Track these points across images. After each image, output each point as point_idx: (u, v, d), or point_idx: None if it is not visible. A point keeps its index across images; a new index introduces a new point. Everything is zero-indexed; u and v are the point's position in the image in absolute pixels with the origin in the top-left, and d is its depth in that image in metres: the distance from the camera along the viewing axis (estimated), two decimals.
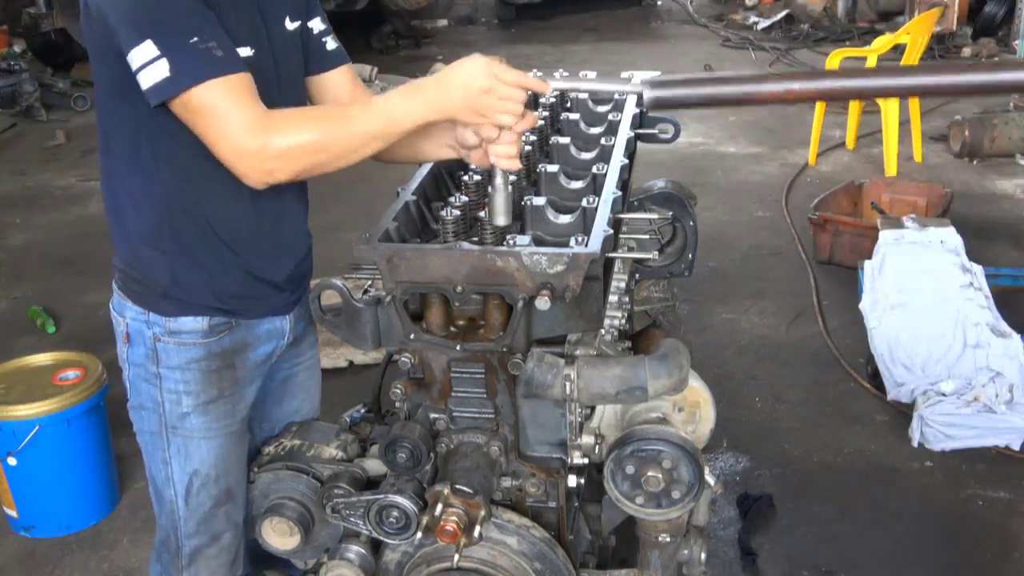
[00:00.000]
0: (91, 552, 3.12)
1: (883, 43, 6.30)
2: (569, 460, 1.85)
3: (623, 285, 2.17)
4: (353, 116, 1.68)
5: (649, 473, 1.77)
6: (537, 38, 10.77)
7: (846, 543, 3.02)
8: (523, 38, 10.88)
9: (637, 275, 2.37)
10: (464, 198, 1.89)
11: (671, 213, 2.32)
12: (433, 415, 1.87)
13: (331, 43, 1.98)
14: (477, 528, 1.75)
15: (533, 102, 2.40)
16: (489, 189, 1.76)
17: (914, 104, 6.14)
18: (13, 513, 3.18)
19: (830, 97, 1.68)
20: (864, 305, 3.89)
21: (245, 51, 1.71)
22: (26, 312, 4.71)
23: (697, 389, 1.90)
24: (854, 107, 6.41)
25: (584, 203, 1.86)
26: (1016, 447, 3.37)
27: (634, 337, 2.15)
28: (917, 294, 3.74)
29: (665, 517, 1.84)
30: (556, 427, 1.83)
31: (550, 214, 1.88)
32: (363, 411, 2.37)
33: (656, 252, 2.22)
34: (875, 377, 3.77)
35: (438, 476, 1.86)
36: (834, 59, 6.15)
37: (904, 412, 3.56)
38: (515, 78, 1.66)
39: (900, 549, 2.98)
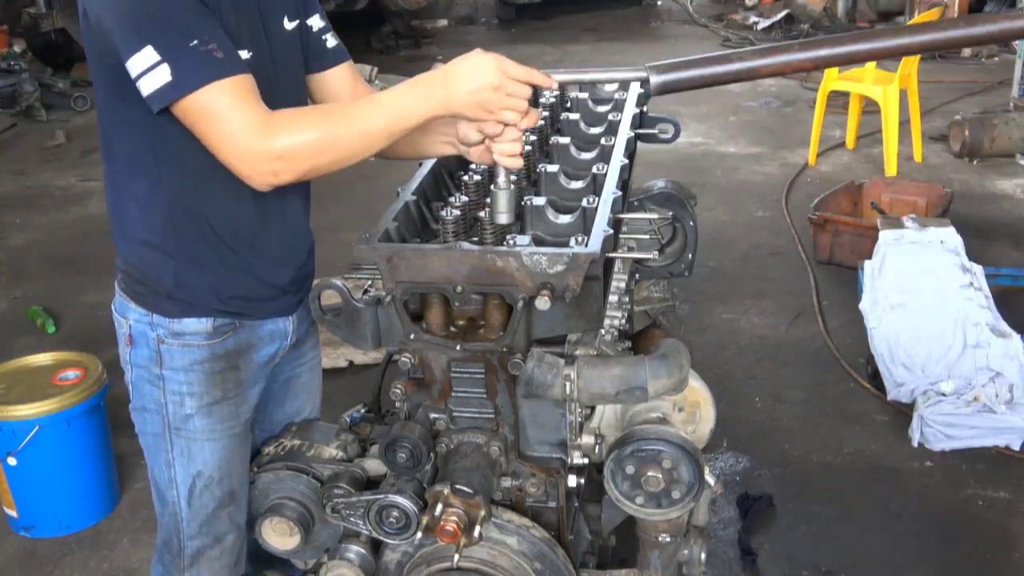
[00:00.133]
0: (91, 552, 3.12)
1: None
2: (569, 460, 1.85)
3: (623, 285, 2.17)
4: (356, 113, 1.66)
5: (649, 473, 1.77)
6: (537, 38, 10.77)
7: (846, 543, 3.02)
8: (523, 38, 10.88)
9: (637, 275, 2.37)
10: (464, 198, 1.89)
11: (671, 213, 2.32)
12: (433, 415, 1.87)
13: (331, 40, 1.98)
14: (477, 528, 1.75)
15: (533, 102, 2.40)
16: (491, 187, 1.76)
17: (914, 104, 6.15)
18: (13, 513, 3.18)
19: (826, 64, 1.70)
20: (864, 305, 3.89)
21: (244, 53, 1.70)
22: (26, 312, 4.71)
23: (697, 389, 1.90)
24: (854, 107, 6.41)
25: (584, 203, 1.86)
26: (1016, 447, 3.37)
27: (634, 337, 2.15)
28: (917, 294, 3.74)
29: (665, 517, 1.84)
30: (556, 427, 1.83)
31: (550, 214, 1.88)
32: (363, 411, 2.37)
33: (656, 252, 2.21)
34: (875, 377, 3.77)
35: (438, 476, 1.86)
36: None
37: (904, 412, 3.56)
38: (523, 74, 1.65)
39: (900, 549, 2.98)
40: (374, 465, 1.99)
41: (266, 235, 1.87)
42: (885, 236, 4.05)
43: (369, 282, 1.92)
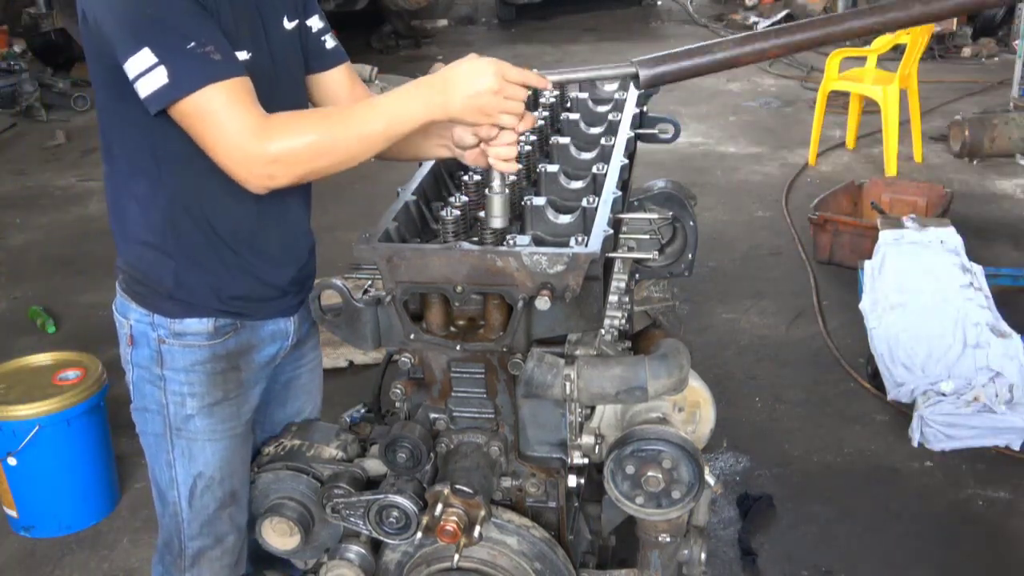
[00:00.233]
0: (91, 552, 3.12)
1: (883, 43, 6.30)
2: (569, 460, 1.85)
3: (623, 285, 2.17)
4: (353, 118, 1.66)
5: (649, 473, 1.77)
6: (537, 38, 10.77)
7: (846, 543, 3.02)
8: (523, 38, 10.88)
9: (637, 275, 2.37)
10: (464, 198, 1.89)
11: (671, 213, 2.32)
12: (433, 415, 1.87)
13: (330, 42, 1.98)
14: (477, 528, 1.75)
15: (533, 102, 2.40)
16: (486, 191, 1.76)
17: (914, 104, 6.15)
18: (13, 513, 3.18)
19: (798, 48, 1.74)
20: (864, 305, 3.89)
21: (243, 55, 1.70)
22: (26, 312, 4.71)
23: (697, 389, 1.90)
24: (854, 107, 6.41)
25: (584, 203, 1.86)
26: (1016, 447, 3.37)
27: (634, 337, 2.15)
28: (917, 294, 3.74)
29: (665, 517, 1.84)
30: (556, 427, 1.83)
31: (550, 214, 1.88)
32: (363, 411, 2.37)
33: (656, 252, 2.22)
34: (875, 377, 3.77)
35: (438, 476, 1.86)
36: (834, 59, 6.15)
37: (904, 412, 3.56)
38: (521, 76, 1.65)
39: (900, 549, 2.98)
40: (374, 465, 1.99)
41: (266, 235, 1.87)
42: (885, 236, 4.05)
43: (369, 282, 1.92)
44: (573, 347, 1.79)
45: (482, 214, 1.80)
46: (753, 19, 10.65)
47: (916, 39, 5.97)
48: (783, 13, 10.43)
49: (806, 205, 5.07)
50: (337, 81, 2.00)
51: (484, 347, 1.78)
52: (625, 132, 2.22)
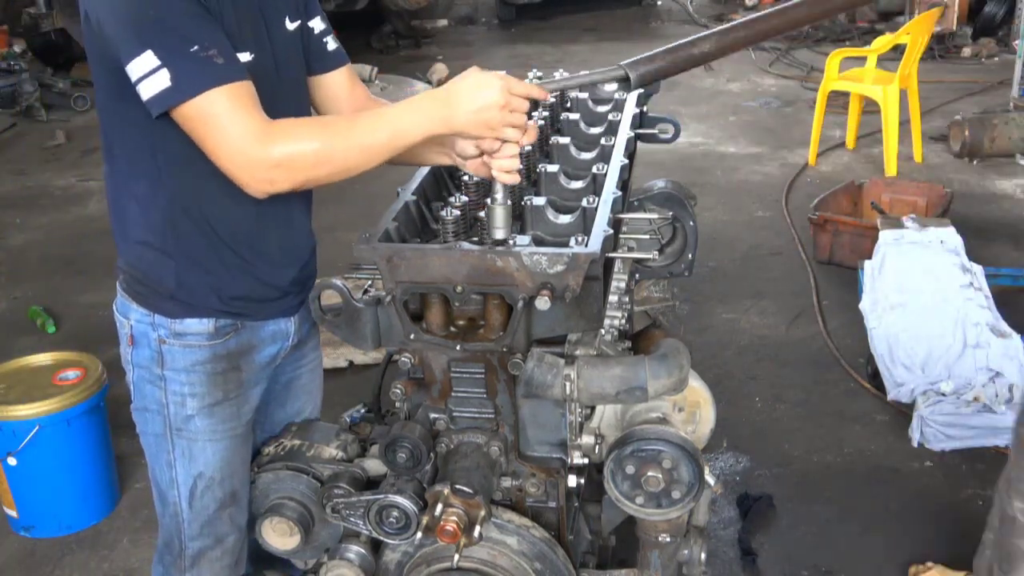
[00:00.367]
0: (91, 552, 3.12)
1: (883, 43, 6.30)
2: (569, 460, 1.85)
3: (623, 285, 2.17)
4: (356, 128, 1.66)
5: (649, 473, 1.77)
6: (537, 38, 10.77)
7: (846, 543, 3.02)
8: (523, 38, 10.88)
9: (637, 275, 2.37)
10: (464, 198, 1.90)
11: (671, 213, 2.32)
12: (433, 415, 1.87)
13: (331, 43, 1.98)
14: (477, 528, 1.75)
15: (533, 104, 2.40)
16: (488, 202, 1.76)
17: (914, 104, 6.14)
18: (13, 513, 3.18)
19: (765, 36, 1.83)
20: (864, 305, 3.89)
21: (246, 56, 1.70)
22: (26, 312, 4.71)
23: (697, 389, 1.90)
24: (854, 107, 6.41)
25: (584, 203, 1.86)
26: None
27: (634, 337, 2.15)
28: (917, 294, 3.74)
29: (665, 517, 1.84)
30: (556, 427, 1.83)
31: (550, 214, 1.88)
32: (363, 411, 2.37)
33: (656, 252, 2.22)
34: (875, 377, 3.77)
35: (438, 476, 1.86)
36: (834, 59, 6.15)
37: (904, 412, 3.56)
38: (525, 90, 1.66)
39: (900, 549, 2.98)
40: (374, 465, 1.99)
41: (267, 236, 1.87)
42: (885, 236, 4.05)
43: (369, 282, 1.92)
44: (573, 347, 1.79)
45: (482, 214, 1.80)
46: None
47: (916, 39, 5.97)
48: None
49: (806, 205, 5.07)
50: (338, 83, 2.00)
51: (484, 347, 1.78)
52: (625, 132, 2.22)
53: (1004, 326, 3.57)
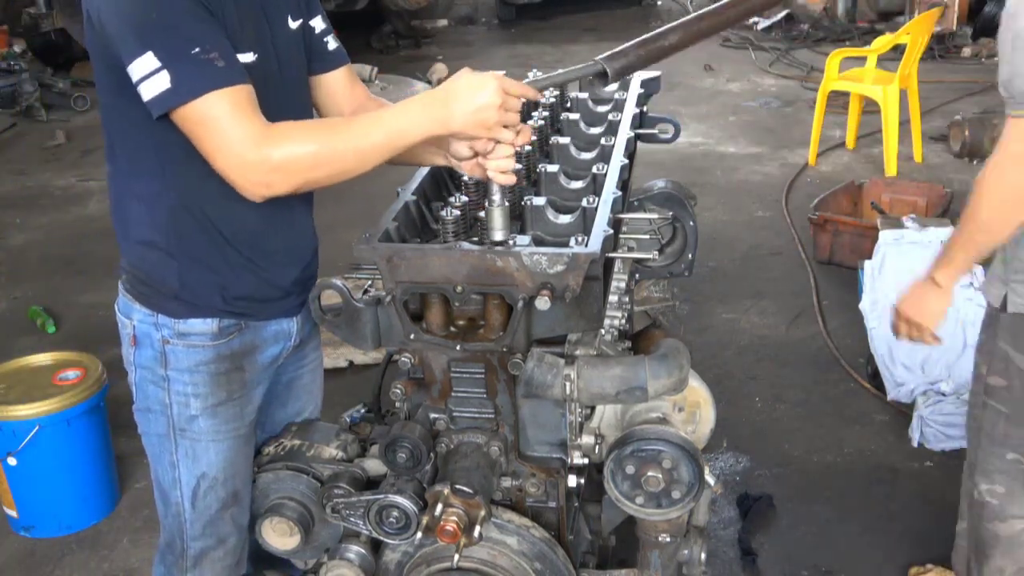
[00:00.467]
0: (91, 552, 3.12)
1: (883, 43, 6.30)
2: (569, 460, 1.85)
3: (623, 285, 2.17)
4: (354, 130, 1.66)
5: (649, 473, 1.77)
6: (537, 38, 10.77)
7: (846, 543, 3.02)
8: (523, 38, 10.88)
9: (637, 275, 2.37)
10: (464, 198, 1.90)
11: (671, 213, 2.32)
12: (433, 415, 1.87)
13: (332, 43, 1.98)
14: (477, 528, 1.75)
15: (533, 104, 2.40)
16: (486, 204, 1.76)
17: (914, 104, 6.14)
18: (13, 513, 3.18)
19: (728, 24, 1.90)
20: (864, 305, 3.89)
21: (249, 56, 1.71)
22: (26, 312, 4.71)
23: (697, 389, 1.90)
24: (854, 107, 6.41)
25: (584, 203, 1.86)
26: None
27: (634, 337, 2.15)
28: None
29: (665, 517, 1.84)
30: (556, 427, 1.83)
31: (550, 214, 1.88)
32: (363, 411, 2.37)
33: (656, 252, 2.22)
34: (875, 377, 3.77)
35: (438, 476, 1.86)
36: (834, 59, 6.15)
37: (904, 412, 3.56)
38: (520, 90, 1.67)
39: (900, 549, 2.98)
40: (374, 465, 1.99)
41: (271, 236, 1.87)
42: (885, 236, 4.05)
43: (369, 282, 1.92)
44: (573, 347, 1.79)
45: (482, 214, 1.80)
46: (753, 19, 10.64)
47: (916, 39, 5.97)
48: (783, 13, 10.42)
49: (806, 205, 5.07)
50: (338, 82, 2.00)
51: (484, 347, 1.78)
52: (625, 132, 2.22)
53: None
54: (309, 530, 2.02)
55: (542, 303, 1.64)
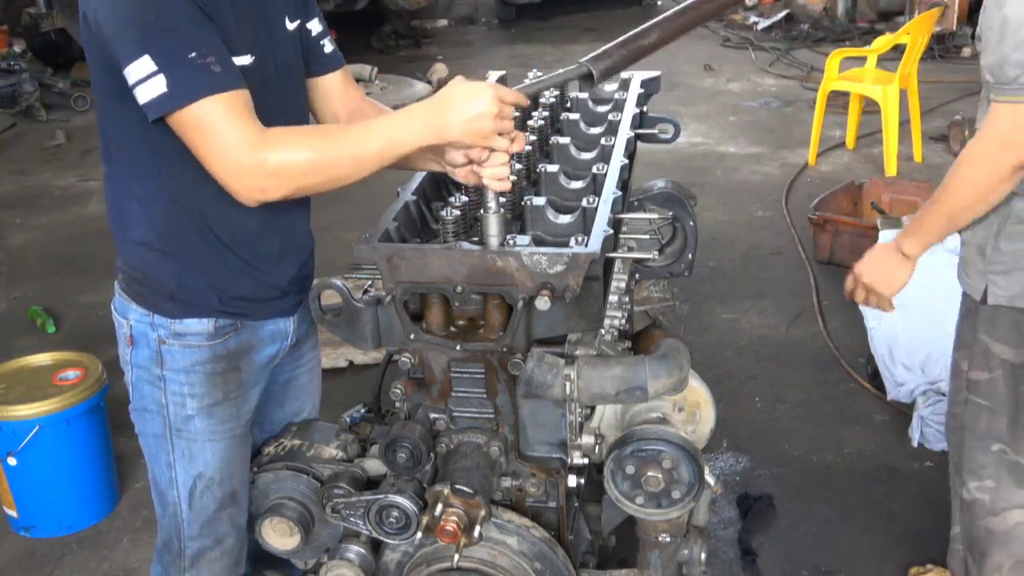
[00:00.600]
0: (91, 552, 3.12)
1: (883, 43, 6.30)
2: (569, 460, 1.85)
3: (623, 285, 2.17)
4: (349, 138, 1.67)
5: (649, 473, 1.77)
6: (537, 38, 10.77)
7: (846, 543, 3.02)
8: (523, 38, 10.88)
9: (637, 275, 2.37)
10: (464, 198, 1.90)
11: (671, 213, 2.32)
12: (433, 415, 1.87)
13: (328, 45, 1.98)
14: (477, 528, 1.75)
15: (533, 103, 2.40)
16: (481, 211, 1.76)
17: (914, 104, 6.14)
18: (13, 513, 3.18)
19: (703, 20, 2.01)
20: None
21: (246, 58, 1.71)
22: (26, 312, 4.71)
23: (697, 389, 1.90)
24: (854, 107, 6.41)
25: (584, 203, 1.86)
26: None
27: (634, 337, 2.16)
28: (917, 294, 3.73)
29: (665, 517, 1.84)
30: (556, 427, 1.83)
31: (550, 214, 1.88)
32: (363, 411, 2.37)
33: (656, 252, 2.22)
34: (875, 377, 3.77)
35: (438, 476, 1.86)
36: (834, 59, 6.15)
37: (904, 412, 3.56)
38: (515, 98, 1.67)
39: (900, 549, 2.98)
40: (374, 465, 1.99)
41: (267, 236, 1.87)
42: (885, 236, 4.04)
43: (369, 282, 1.92)
44: (573, 347, 1.79)
45: (482, 213, 1.80)
46: (753, 19, 10.65)
47: (916, 39, 5.97)
48: (783, 13, 10.43)
49: (806, 205, 5.07)
50: (334, 85, 2.00)
51: (484, 347, 1.78)
52: (625, 132, 2.22)
53: None
54: (309, 530, 2.02)
55: (542, 303, 1.64)
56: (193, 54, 1.57)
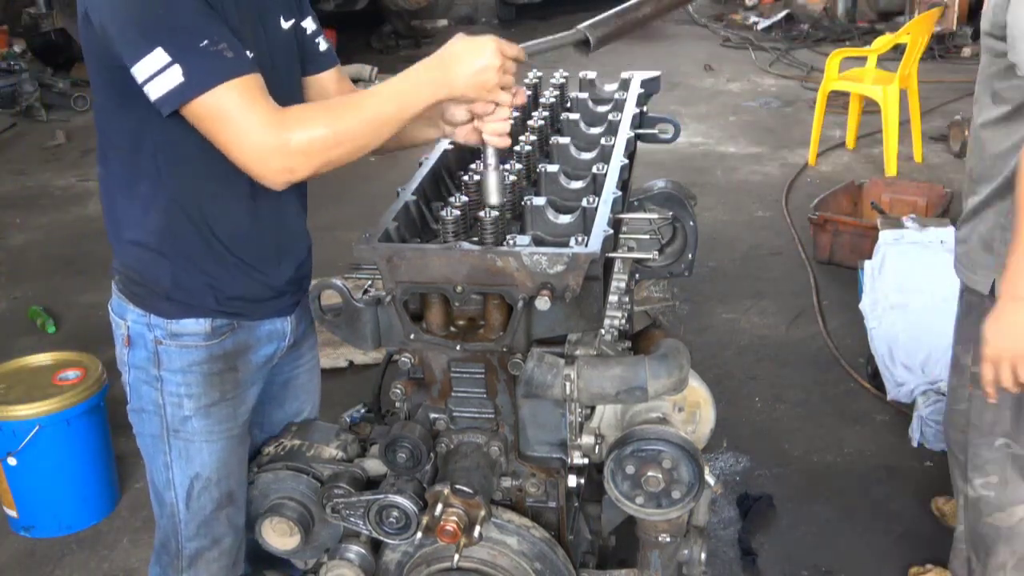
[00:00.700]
0: (91, 552, 3.12)
1: (883, 43, 6.30)
2: (569, 460, 1.85)
3: (623, 285, 2.17)
4: (364, 104, 1.67)
5: (649, 473, 1.77)
6: (537, 38, 10.75)
7: (846, 543, 3.02)
8: (523, 38, 10.72)
9: (637, 275, 2.37)
10: (464, 198, 1.89)
11: (671, 213, 2.32)
12: (433, 415, 1.87)
13: (323, 44, 1.98)
14: (477, 528, 1.75)
15: (533, 102, 2.40)
16: (481, 168, 1.77)
17: (914, 104, 6.14)
18: (13, 513, 3.18)
19: None
20: (864, 305, 3.89)
21: (248, 56, 1.70)
22: (26, 312, 4.71)
23: (697, 389, 1.90)
24: (854, 107, 6.41)
25: (584, 203, 1.86)
26: None
27: (634, 337, 2.15)
28: (917, 294, 3.73)
29: (665, 517, 1.84)
30: (556, 427, 1.83)
31: (550, 214, 1.88)
32: (363, 411, 2.37)
33: (656, 252, 2.22)
34: (875, 377, 3.77)
35: (438, 476, 1.86)
36: (834, 59, 6.15)
37: (904, 412, 3.56)
38: (516, 52, 1.70)
39: (900, 549, 2.98)
40: (374, 465, 1.99)
41: (263, 236, 1.86)
42: (885, 236, 4.05)
43: (369, 282, 1.92)
44: (573, 347, 1.79)
45: (482, 214, 1.80)
46: (753, 19, 10.64)
47: (916, 39, 5.97)
48: (783, 13, 10.43)
49: (806, 205, 5.07)
50: (328, 83, 2.00)
51: (484, 347, 1.78)
52: (625, 132, 2.22)
53: None
54: (309, 530, 2.02)
55: (542, 303, 1.64)
56: (205, 42, 1.57)
